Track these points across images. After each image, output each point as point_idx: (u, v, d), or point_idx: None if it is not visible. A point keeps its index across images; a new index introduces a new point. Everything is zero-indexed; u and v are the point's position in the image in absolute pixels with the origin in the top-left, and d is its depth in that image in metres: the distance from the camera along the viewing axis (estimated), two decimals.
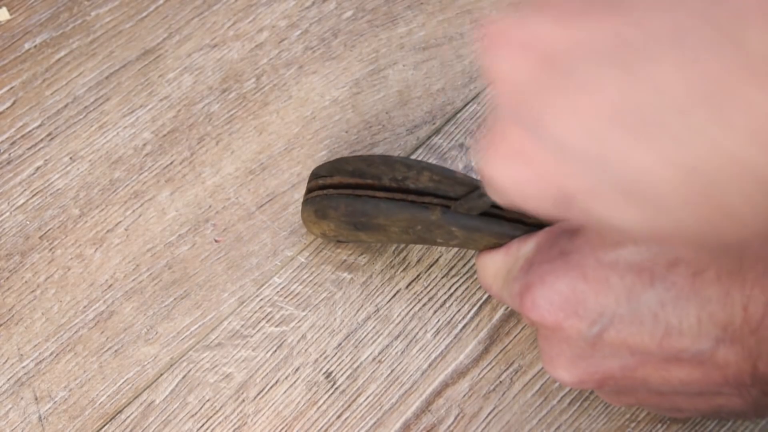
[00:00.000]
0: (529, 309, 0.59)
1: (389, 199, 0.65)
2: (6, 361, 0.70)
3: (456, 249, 0.72)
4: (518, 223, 0.63)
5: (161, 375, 0.70)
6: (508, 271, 0.62)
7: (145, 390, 0.69)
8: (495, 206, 0.63)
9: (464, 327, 0.71)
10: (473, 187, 0.64)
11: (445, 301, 0.71)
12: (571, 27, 0.41)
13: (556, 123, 0.41)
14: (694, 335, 0.55)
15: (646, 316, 0.56)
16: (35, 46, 0.78)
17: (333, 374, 0.70)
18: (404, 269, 0.72)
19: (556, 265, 0.58)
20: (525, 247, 0.62)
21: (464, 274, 0.72)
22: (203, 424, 0.69)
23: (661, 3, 0.38)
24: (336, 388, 0.69)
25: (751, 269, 0.53)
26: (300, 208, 0.72)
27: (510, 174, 0.45)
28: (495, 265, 0.63)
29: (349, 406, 0.69)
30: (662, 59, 0.38)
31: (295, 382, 0.70)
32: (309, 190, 0.68)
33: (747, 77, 0.36)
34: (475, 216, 0.63)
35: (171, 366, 0.70)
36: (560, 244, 0.59)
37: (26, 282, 0.72)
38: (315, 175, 0.68)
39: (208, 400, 0.69)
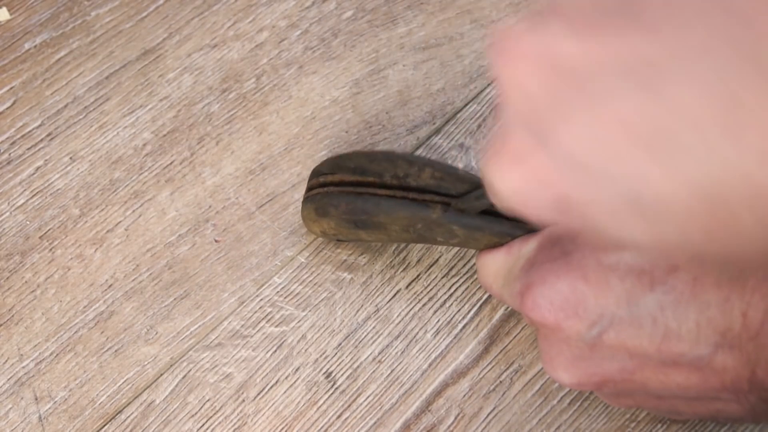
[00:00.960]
0: (530, 309, 0.59)
1: (390, 197, 0.65)
2: (6, 361, 0.70)
3: (456, 249, 0.73)
4: (520, 222, 0.64)
5: (161, 375, 0.70)
6: (509, 270, 0.63)
7: (145, 390, 0.70)
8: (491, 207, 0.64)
9: (464, 327, 0.71)
10: (474, 186, 0.64)
11: (445, 301, 0.72)
12: (588, 40, 0.41)
13: (567, 135, 0.42)
14: (692, 340, 0.56)
15: (645, 320, 0.56)
16: (35, 46, 0.78)
17: (333, 374, 0.70)
18: (404, 269, 0.72)
19: (558, 264, 0.59)
20: (526, 246, 0.62)
21: (464, 274, 0.72)
22: (203, 424, 0.69)
23: (682, 19, 0.39)
24: (336, 388, 0.70)
25: (751, 275, 0.54)
26: (300, 207, 0.73)
27: (513, 181, 0.45)
28: (496, 265, 0.64)
29: (349, 406, 0.69)
30: (681, 77, 0.38)
31: (295, 382, 0.70)
32: (309, 188, 0.69)
33: (764, 99, 0.37)
34: (477, 215, 0.64)
35: (171, 366, 0.70)
36: (562, 244, 0.59)
37: (26, 282, 0.72)
38: (316, 173, 0.69)
39: (208, 400, 0.69)
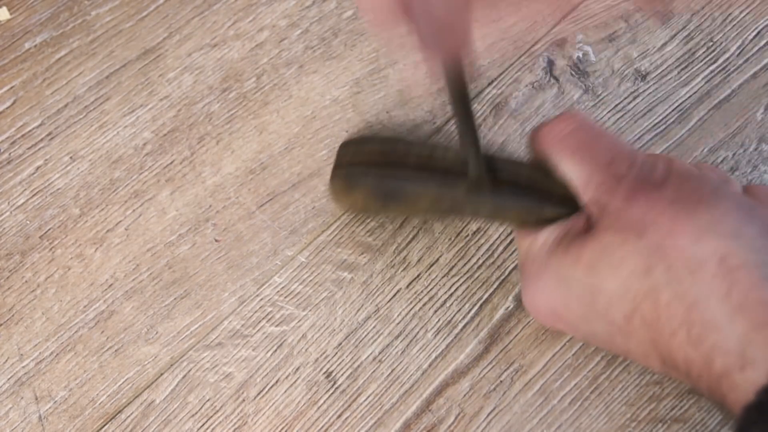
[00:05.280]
0: (528, 311, 0.67)
1: (419, 170, 0.65)
2: (6, 360, 0.71)
3: (457, 248, 0.73)
4: (546, 193, 0.65)
5: (161, 375, 0.71)
6: (520, 256, 0.68)
7: (145, 390, 0.70)
8: (518, 181, 0.65)
9: (465, 327, 0.72)
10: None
11: (445, 301, 0.72)
12: None
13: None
14: (645, 362, 0.62)
15: (604, 341, 0.63)
16: (35, 46, 0.78)
17: (333, 374, 0.71)
18: (404, 269, 0.73)
19: (533, 282, 0.65)
20: (523, 245, 0.67)
21: (465, 274, 0.73)
22: (203, 424, 0.70)
23: None
24: (336, 388, 0.70)
25: (666, 323, 0.59)
26: (299, 208, 0.74)
27: None
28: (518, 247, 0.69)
29: (350, 405, 0.70)
30: None
31: (295, 381, 0.71)
32: (338, 161, 0.68)
33: None
34: (503, 189, 0.65)
35: (171, 366, 0.71)
36: (538, 263, 0.65)
37: (26, 281, 0.73)
38: (344, 145, 0.69)
39: (208, 400, 0.70)
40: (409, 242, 0.74)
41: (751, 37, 0.79)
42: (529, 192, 0.65)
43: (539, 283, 0.64)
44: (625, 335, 0.61)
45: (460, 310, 0.72)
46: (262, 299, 0.72)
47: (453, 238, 0.74)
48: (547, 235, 0.65)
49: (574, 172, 0.63)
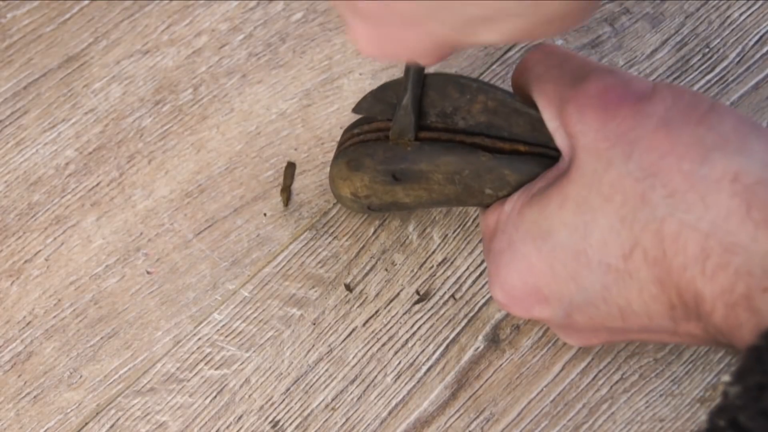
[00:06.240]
0: (498, 303, 0.66)
1: (434, 141, 0.66)
2: None
3: (421, 280, 0.73)
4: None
5: (86, 424, 0.70)
6: (485, 237, 0.68)
7: None
8: (542, 145, 0.65)
9: (429, 370, 0.71)
10: (531, 120, 0.65)
11: (407, 341, 0.72)
12: None
13: None
14: (648, 315, 0.62)
15: (597, 300, 0.62)
16: None
17: (280, 423, 0.70)
18: (361, 304, 0.73)
19: (505, 257, 0.64)
20: (489, 222, 0.67)
21: (428, 310, 0.72)
22: None
23: None
24: None
25: (674, 257, 0.58)
26: (241, 236, 0.74)
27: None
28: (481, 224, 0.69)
29: None
30: None
31: None
32: (341, 143, 0.69)
33: None
34: (531, 157, 0.64)
35: (97, 414, 0.70)
36: (508, 232, 0.65)
37: None
38: (350, 127, 0.69)
39: None
40: (366, 274, 0.74)
41: (752, 42, 0.78)
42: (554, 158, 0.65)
43: (514, 254, 0.63)
44: (624, 280, 0.60)
45: (423, 351, 0.72)
46: (200, 339, 0.72)
47: (415, 270, 0.74)
48: (516, 197, 0.64)
49: (541, 99, 0.63)
